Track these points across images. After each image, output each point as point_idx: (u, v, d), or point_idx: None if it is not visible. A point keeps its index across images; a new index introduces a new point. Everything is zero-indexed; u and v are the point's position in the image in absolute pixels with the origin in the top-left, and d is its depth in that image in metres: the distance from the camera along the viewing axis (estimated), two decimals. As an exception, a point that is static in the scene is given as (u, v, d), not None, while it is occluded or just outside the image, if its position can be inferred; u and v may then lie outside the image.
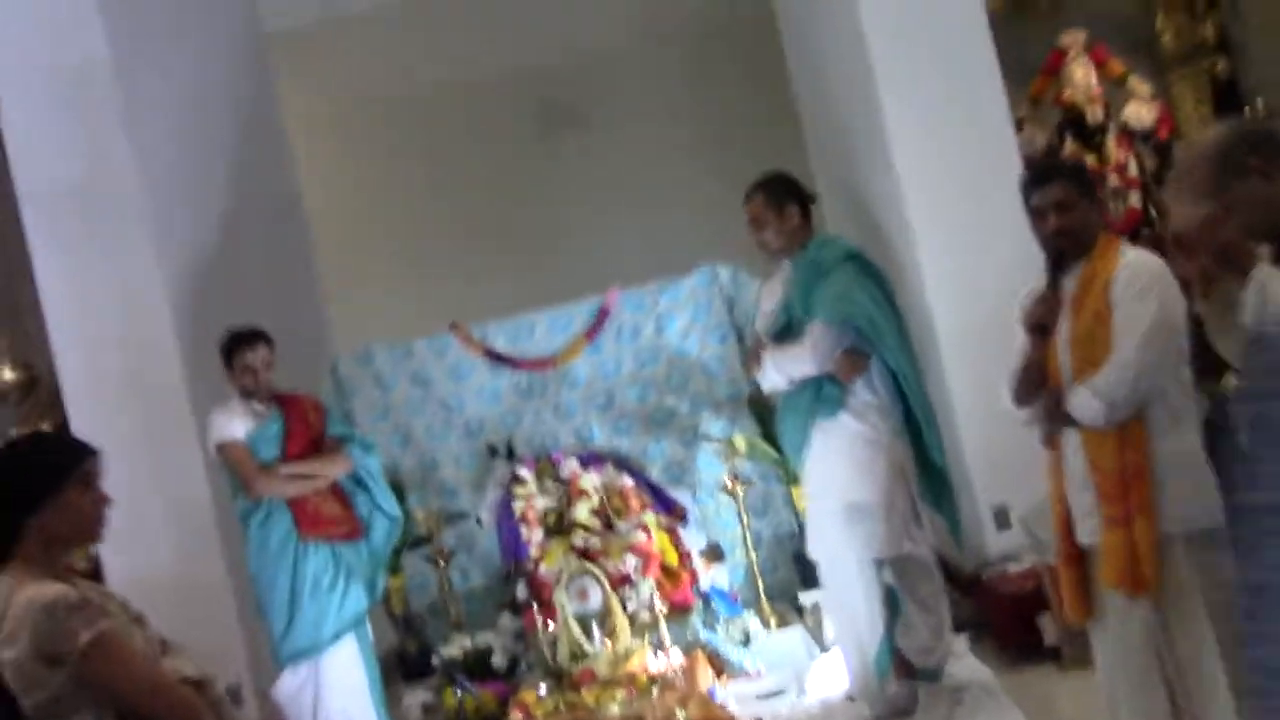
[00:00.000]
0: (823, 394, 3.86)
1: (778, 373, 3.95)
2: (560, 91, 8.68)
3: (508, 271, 7.80)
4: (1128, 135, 6.93)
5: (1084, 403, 3.02)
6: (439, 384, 5.95)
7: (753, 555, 5.38)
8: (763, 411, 5.66)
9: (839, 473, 3.86)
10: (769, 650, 4.98)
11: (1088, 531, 3.13)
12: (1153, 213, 6.97)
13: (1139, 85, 6.98)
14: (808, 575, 5.38)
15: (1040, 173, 3.23)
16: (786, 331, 3.98)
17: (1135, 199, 6.88)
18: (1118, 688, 3.20)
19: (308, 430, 4.65)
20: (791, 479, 5.50)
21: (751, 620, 5.09)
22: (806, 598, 5.24)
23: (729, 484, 5.36)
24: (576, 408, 5.87)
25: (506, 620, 5.25)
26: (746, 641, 4.97)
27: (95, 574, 5.91)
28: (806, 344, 3.83)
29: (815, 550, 4.08)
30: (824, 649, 4.92)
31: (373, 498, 4.69)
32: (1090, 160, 6.74)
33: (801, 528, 5.50)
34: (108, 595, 2.59)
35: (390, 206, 8.49)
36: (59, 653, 2.36)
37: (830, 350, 3.81)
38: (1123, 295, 3.02)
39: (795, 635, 5.11)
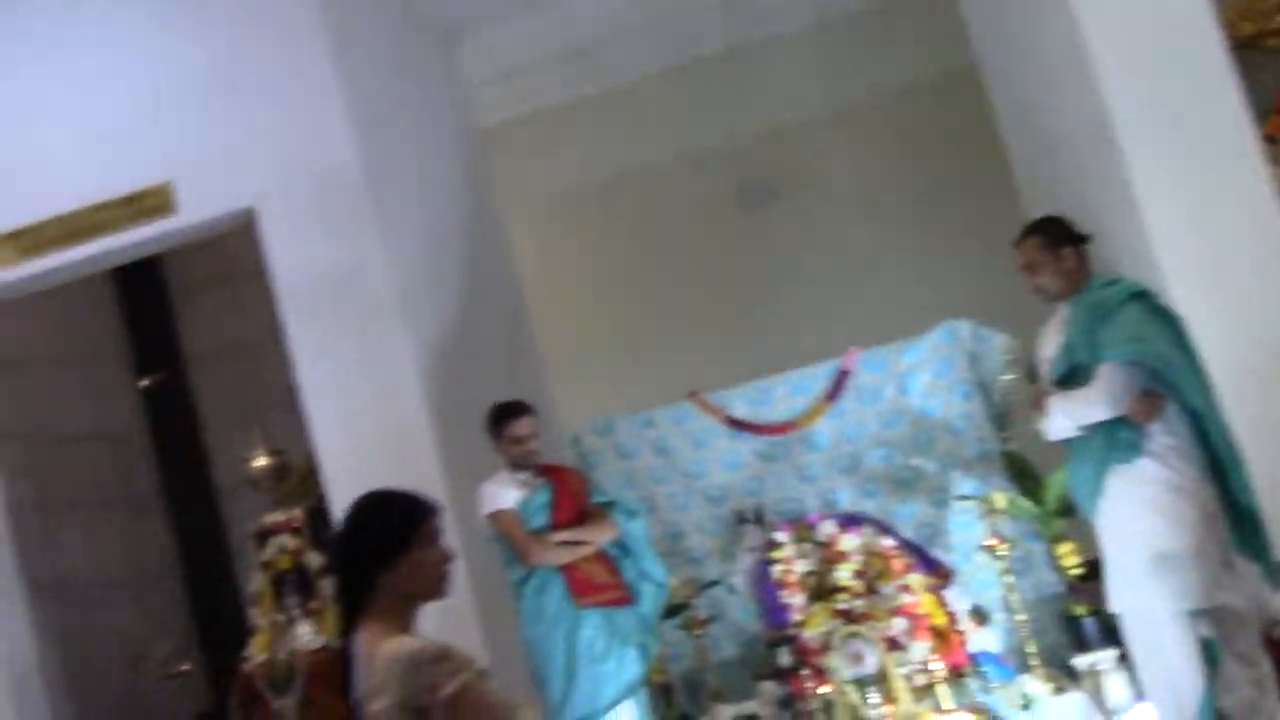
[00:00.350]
0: (1118, 438, 3.72)
1: (1067, 418, 3.83)
2: (768, 163, 8.74)
3: (731, 345, 7.81)
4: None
5: None
6: (680, 452, 5.97)
7: (1019, 617, 5.18)
8: (1019, 467, 5.51)
9: (1143, 521, 3.69)
10: (1049, 716, 4.77)
11: None
12: None
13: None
14: (1080, 637, 5.19)
15: None
16: (1070, 377, 3.86)
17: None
18: None
19: (574, 499, 4.70)
20: (1055, 536, 5.32)
21: (1029, 683, 4.88)
22: (1081, 661, 5.02)
23: (990, 543, 5.19)
24: (820, 471, 5.82)
25: (769, 687, 5.16)
26: (1027, 705, 4.77)
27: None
28: (1098, 386, 3.71)
29: (1119, 604, 3.91)
30: (1106, 716, 4.71)
31: (638, 563, 4.71)
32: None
33: (1069, 586, 5.32)
34: (458, 649, 2.62)
35: (611, 287, 8.62)
36: (424, 705, 2.40)
37: (1124, 392, 3.68)
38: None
39: (1074, 700, 4.89)
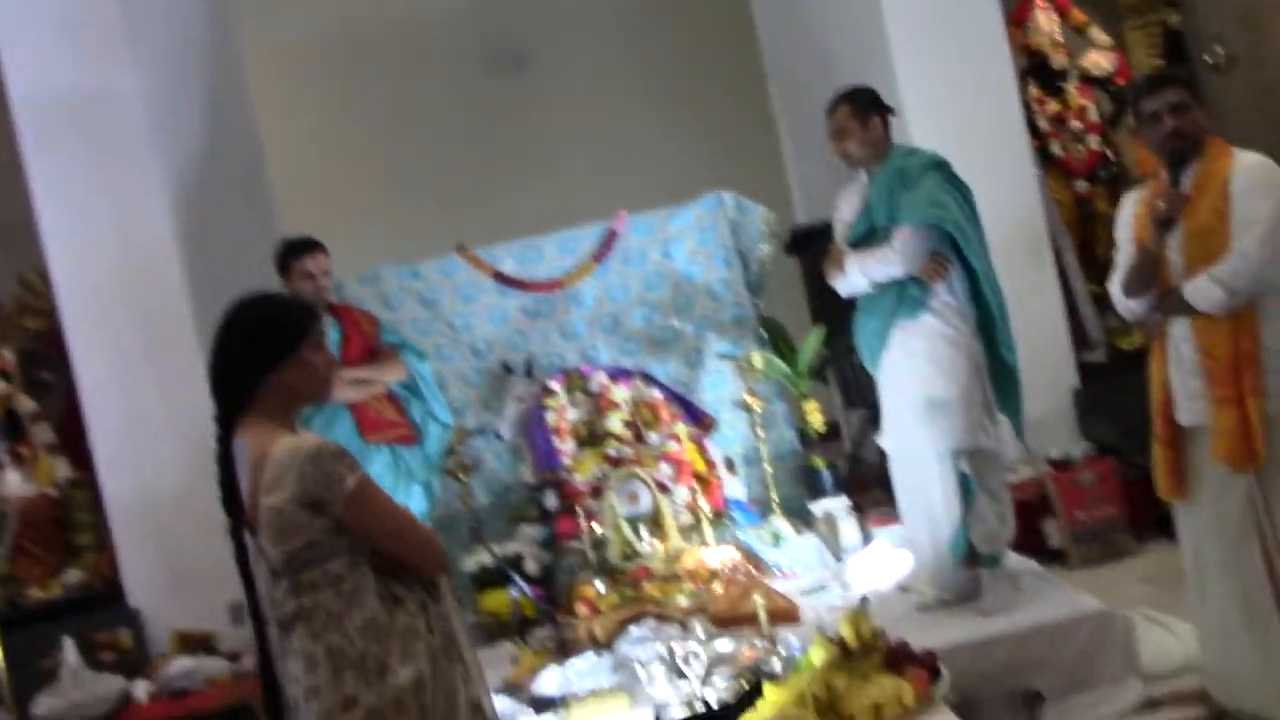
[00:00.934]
0: (906, 296, 4.06)
1: (863, 276, 4.13)
2: (517, 30, 8.72)
3: (498, 203, 7.82)
4: (1088, 82, 7.30)
5: (1206, 290, 3.30)
6: (446, 305, 5.98)
7: (766, 468, 5.57)
8: (775, 331, 5.86)
9: (921, 370, 4.07)
10: (793, 551, 5.19)
11: (1193, 413, 3.41)
12: (1110, 155, 7.36)
13: (1098, 34, 7.36)
14: (817, 486, 5.64)
15: (1155, 80, 3.48)
16: (866, 239, 4.16)
17: (1095, 142, 7.26)
18: (1208, 560, 3.51)
19: (364, 338, 4.67)
20: (802, 396, 5.72)
21: (779, 523, 5.29)
22: (817, 507, 5.45)
23: (747, 400, 5.53)
24: (583, 329, 5.97)
25: (530, 530, 5.34)
26: (777, 542, 5.17)
27: (94, 492, 5.83)
28: (896, 247, 4.01)
29: (891, 443, 4.29)
30: (838, 557, 5.17)
31: (426, 404, 4.74)
32: (1053, 105, 7.09)
33: (805, 439, 5.76)
34: None
35: (360, 139, 8.42)
36: (325, 498, 2.41)
37: (919, 253, 4.01)
38: (1246, 192, 3.30)
39: (811, 540, 5.32)
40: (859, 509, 5.44)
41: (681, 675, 3.94)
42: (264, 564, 2.52)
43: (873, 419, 6.35)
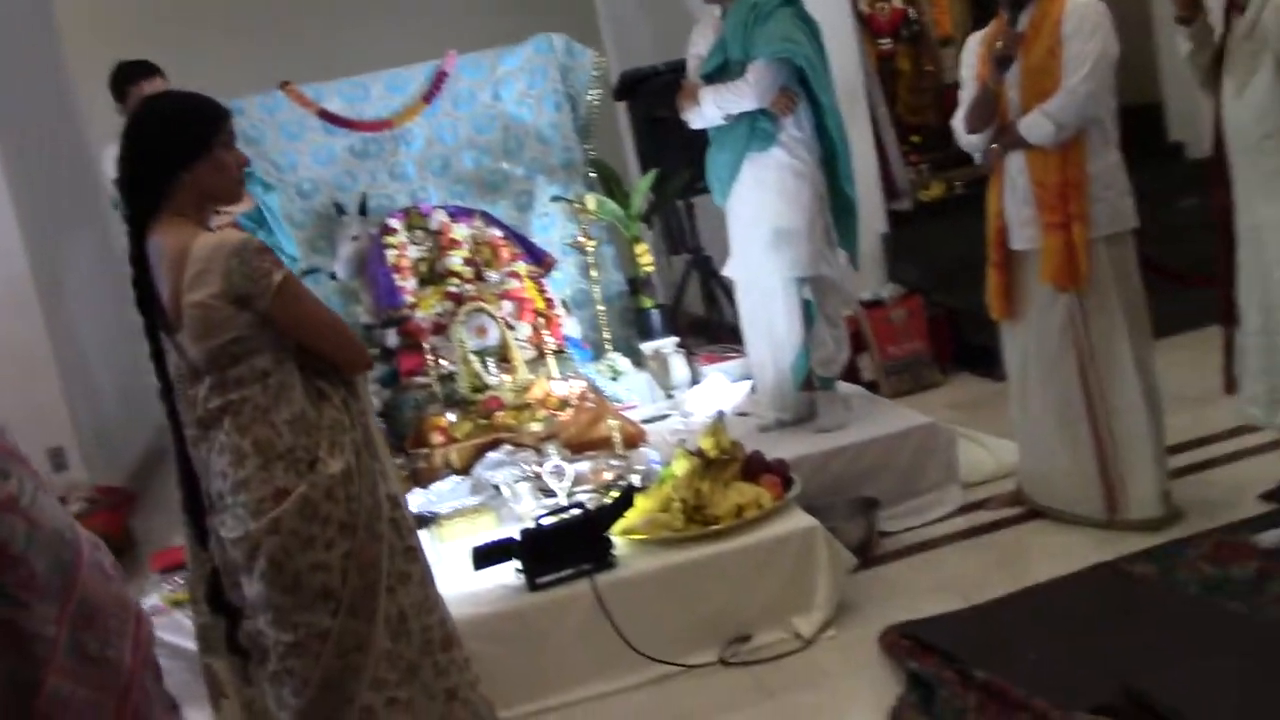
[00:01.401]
0: (757, 129, 4.24)
1: (717, 108, 4.29)
2: None
3: (323, 41, 7.58)
4: (894, -59, 7.59)
5: (1038, 124, 3.60)
6: (270, 142, 5.84)
7: (600, 308, 5.74)
8: (606, 174, 5.98)
9: (769, 201, 4.28)
10: (629, 385, 5.41)
11: (1025, 239, 3.75)
12: (912, 15, 7.71)
13: (905, -106, 7.63)
14: (646, 327, 5.86)
15: None
16: (719, 73, 4.31)
17: (898, 1, 7.59)
18: (1030, 373, 3.88)
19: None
20: (633, 238, 5.89)
21: (618, 359, 5.49)
22: (647, 346, 5.68)
23: (580, 241, 5.67)
24: (412, 170, 5.95)
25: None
26: (615, 376, 5.38)
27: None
28: (750, 80, 4.18)
29: (737, 271, 4.52)
30: (669, 393, 5.42)
31: (272, 236, 4.68)
32: (862, -39, 7.35)
33: (632, 284, 5.96)
34: None
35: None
36: (251, 292, 2.43)
37: (772, 86, 4.18)
38: (1074, 33, 3.59)
39: (643, 377, 5.55)
40: (685, 348, 5.69)
41: (548, 493, 4.13)
42: (184, 363, 2.53)
43: (696, 264, 6.61)
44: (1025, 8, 3.68)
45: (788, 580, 3.63)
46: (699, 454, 3.86)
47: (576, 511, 3.69)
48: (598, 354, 5.69)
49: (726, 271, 4.63)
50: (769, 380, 4.53)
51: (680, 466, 3.85)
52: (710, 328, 6.59)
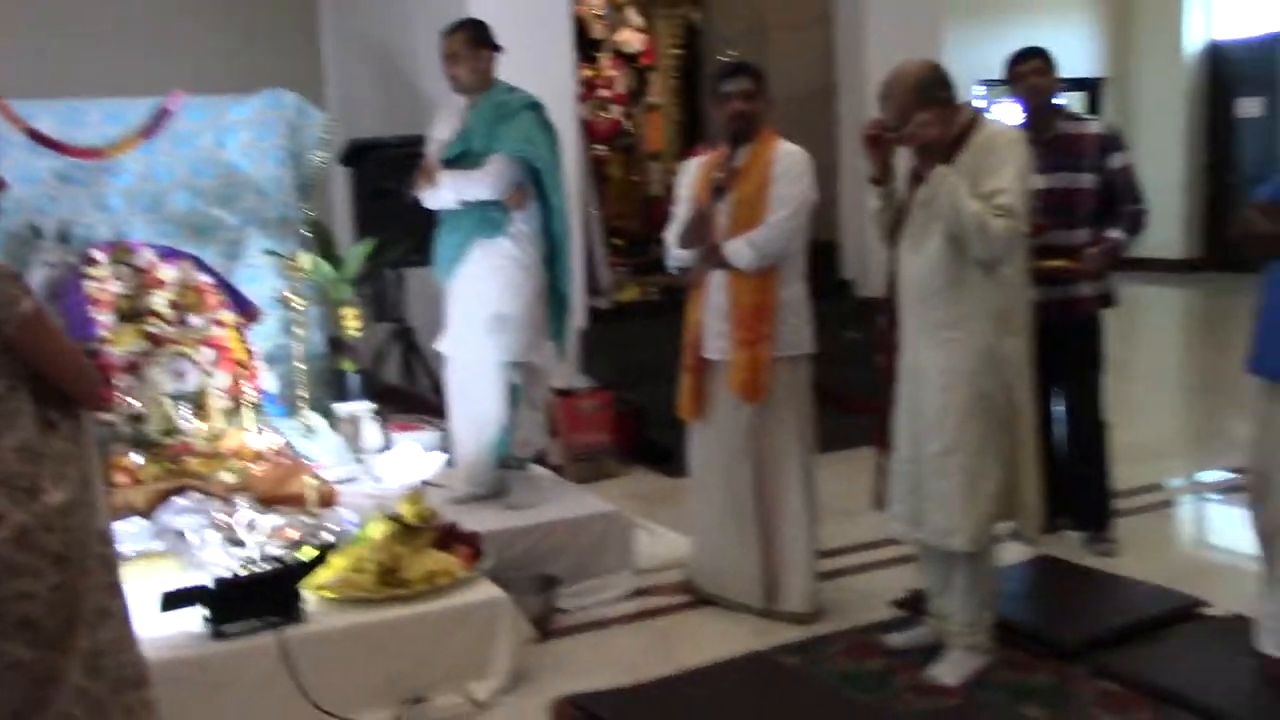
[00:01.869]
0: (489, 217, 4.51)
1: (454, 193, 4.53)
2: None
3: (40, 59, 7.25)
4: (619, 56, 8.13)
5: (742, 251, 4.04)
6: (-33, 157, 5.60)
7: (300, 365, 5.78)
8: (322, 235, 6.07)
9: (492, 287, 4.54)
10: (324, 447, 5.48)
11: (718, 350, 4.16)
12: (628, 126, 8.24)
13: (633, 16, 8.21)
14: (343, 389, 5.96)
15: (734, 66, 4.17)
16: (460, 160, 4.56)
17: (617, 111, 8.11)
18: (712, 471, 4.28)
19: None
20: (341, 301, 5.99)
21: (312, 417, 5.54)
22: (342, 409, 5.77)
23: (289, 298, 5.72)
24: (120, 204, 5.84)
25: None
26: (309, 434, 5.43)
27: None
28: (489, 172, 4.44)
29: (452, 348, 4.72)
30: (358, 457, 5.54)
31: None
32: (587, 72, 7.83)
33: (334, 345, 6.06)
34: None
35: None
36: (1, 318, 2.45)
37: (508, 181, 4.47)
38: (782, 176, 4.07)
39: (336, 439, 5.64)
40: (380, 414, 5.82)
41: (236, 543, 4.16)
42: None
43: (399, 334, 6.76)
44: (742, 146, 4.13)
45: (470, 647, 3.82)
46: (397, 519, 4.01)
47: (269, 564, 3.76)
48: (291, 411, 5.72)
49: (440, 346, 4.83)
50: (468, 455, 4.74)
51: (377, 529, 3.98)
52: (405, 397, 6.73)
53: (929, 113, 3.50)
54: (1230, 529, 5.28)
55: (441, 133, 4.68)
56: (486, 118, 4.53)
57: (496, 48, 4.62)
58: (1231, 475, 5.84)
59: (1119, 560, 4.81)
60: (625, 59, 8.24)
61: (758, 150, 4.14)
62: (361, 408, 5.76)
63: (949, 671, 3.73)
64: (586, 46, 7.86)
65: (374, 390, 6.22)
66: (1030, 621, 4.09)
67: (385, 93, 7.82)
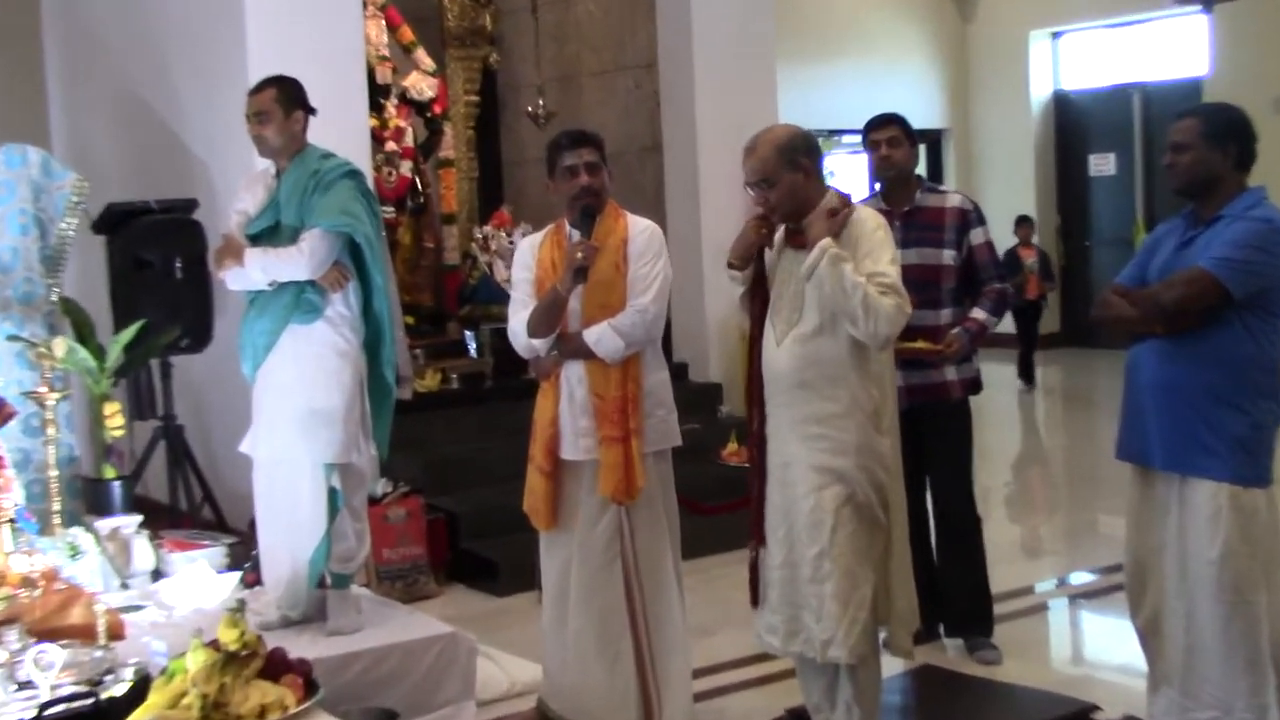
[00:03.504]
0: (303, 300, 4.86)
1: (263, 273, 4.86)
2: None
3: None
4: (407, 104, 8.58)
5: (608, 338, 4.53)
6: None
7: (52, 473, 5.97)
8: (78, 317, 6.30)
9: (306, 378, 4.87)
10: (90, 570, 5.68)
11: (581, 449, 4.62)
12: (420, 185, 8.68)
13: (424, 58, 8.69)
14: (106, 500, 6.18)
15: (576, 136, 4.68)
16: (268, 234, 4.92)
17: (407, 168, 8.54)
18: (571, 584, 4.69)
19: None
20: (102, 396, 6.23)
21: (80, 535, 5.74)
22: (104, 524, 5.98)
23: (40, 394, 5.91)
24: None
25: None
26: (74, 555, 5.62)
27: None
28: (304, 249, 4.80)
29: (259, 449, 5.02)
30: (125, 581, 5.75)
31: None
32: (372, 122, 8.24)
33: (106, 448, 6.28)
34: None
35: None
36: None
37: (326, 259, 4.83)
38: (639, 255, 4.60)
39: (98, 559, 5.83)
40: (149, 530, 6.02)
41: (25, 684, 4.36)
42: None
43: (166, 432, 7.00)
44: (595, 222, 4.64)
45: (310, 788, 4.13)
46: (217, 646, 4.29)
47: (68, 707, 3.99)
48: (44, 527, 5.88)
49: (244, 448, 5.12)
50: (281, 573, 5.03)
51: (195, 659, 4.26)
52: (176, 509, 6.94)
53: (794, 176, 4.13)
54: (1110, 631, 6.02)
55: (245, 203, 5.01)
56: (299, 187, 4.87)
57: (310, 109, 5.00)
58: (1100, 576, 6.66)
59: (1002, 668, 5.45)
60: (415, 107, 8.63)
61: (606, 227, 4.63)
62: (126, 523, 5.95)
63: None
64: (371, 93, 8.18)
65: (139, 500, 6.43)
66: (918, 736, 4.67)
67: (137, 149, 8.07)
